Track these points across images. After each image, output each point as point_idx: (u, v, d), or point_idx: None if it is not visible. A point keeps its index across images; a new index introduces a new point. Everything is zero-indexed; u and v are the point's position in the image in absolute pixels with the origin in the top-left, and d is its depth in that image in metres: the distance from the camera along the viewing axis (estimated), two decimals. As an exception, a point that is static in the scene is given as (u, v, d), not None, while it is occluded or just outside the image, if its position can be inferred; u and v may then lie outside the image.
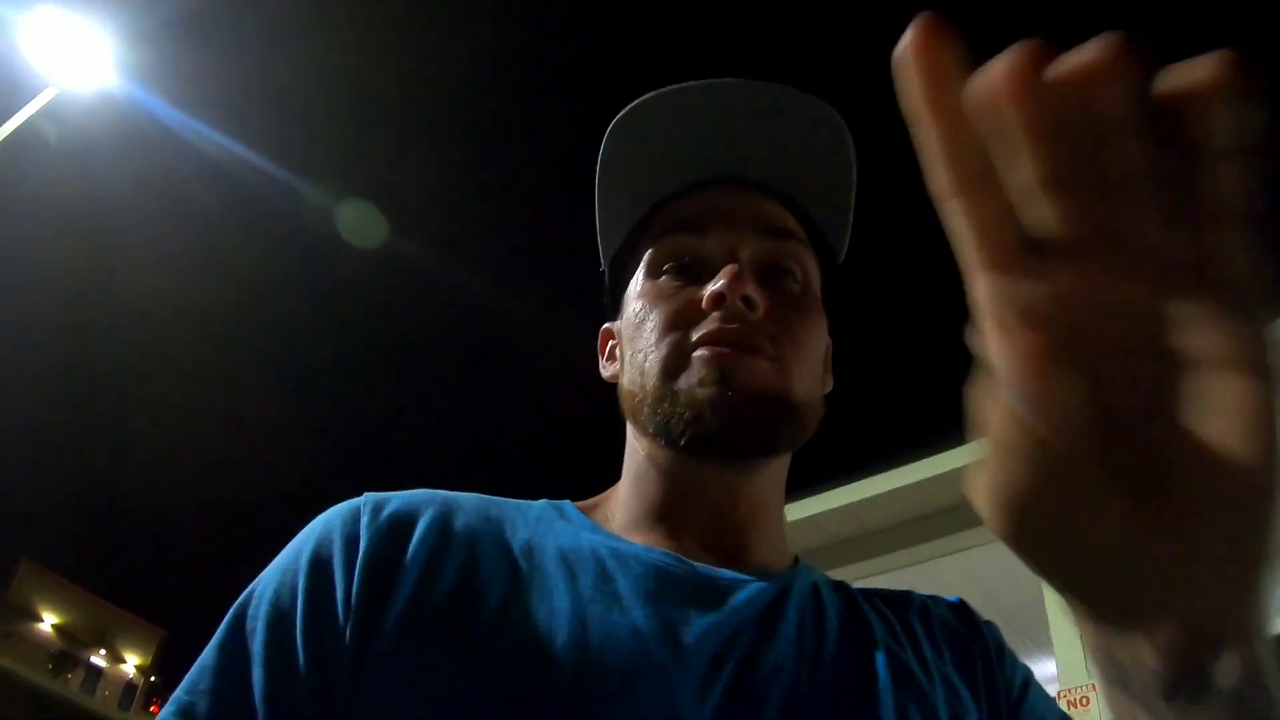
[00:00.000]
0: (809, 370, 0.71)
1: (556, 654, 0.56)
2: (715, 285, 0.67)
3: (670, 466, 0.71)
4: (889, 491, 4.87)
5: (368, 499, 0.67)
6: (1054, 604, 4.39)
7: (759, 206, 0.75)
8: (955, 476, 4.76)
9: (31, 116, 7.96)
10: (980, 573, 5.51)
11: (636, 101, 0.74)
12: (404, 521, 0.65)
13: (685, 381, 0.67)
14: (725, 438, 0.65)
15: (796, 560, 0.77)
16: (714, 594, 0.64)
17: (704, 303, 0.68)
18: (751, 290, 0.67)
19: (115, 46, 7.86)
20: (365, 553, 0.61)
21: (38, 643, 22.78)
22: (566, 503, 0.76)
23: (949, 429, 4.83)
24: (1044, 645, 6.96)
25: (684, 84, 0.73)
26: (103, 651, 24.77)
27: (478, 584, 0.61)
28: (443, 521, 0.66)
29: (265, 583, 0.62)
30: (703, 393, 0.65)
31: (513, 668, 0.55)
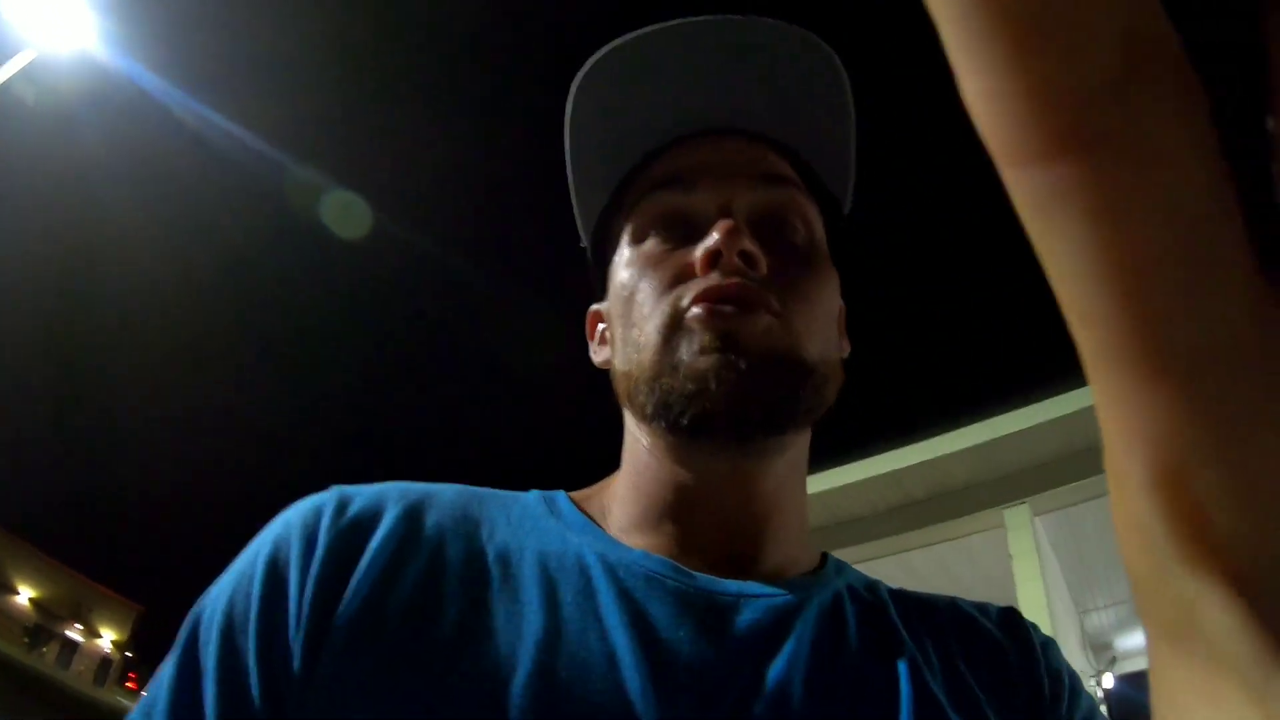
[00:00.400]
0: (821, 328, 0.63)
1: (517, 685, 0.51)
2: (708, 242, 0.60)
3: (673, 456, 0.63)
4: (862, 481, 4.85)
5: (332, 494, 0.61)
6: (1026, 597, 4.43)
7: (752, 155, 0.67)
8: (929, 467, 4.77)
9: (9, 78, 7.85)
10: (952, 565, 5.54)
11: (601, 51, 0.66)
12: (367, 521, 0.59)
13: (685, 351, 0.59)
14: (735, 413, 0.58)
15: (825, 560, 0.68)
16: (714, 612, 0.57)
17: (697, 264, 0.61)
18: (749, 244, 0.60)
19: (95, 9, 7.75)
20: (322, 557, 0.56)
21: (13, 616, 22.68)
22: (560, 494, 0.68)
23: (924, 419, 4.84)
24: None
25: (653, 26, 0.66)
26: (79, 626, 24.68)
27: (438, 597, 0.56)
28: (409, 521, 0.60)
29: (221, 589, 0.57)
30: (705, 361, 0.58)
31: (466, 700, 0.50)
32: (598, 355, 0.74)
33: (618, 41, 0.66)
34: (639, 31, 0.66)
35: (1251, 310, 0.15)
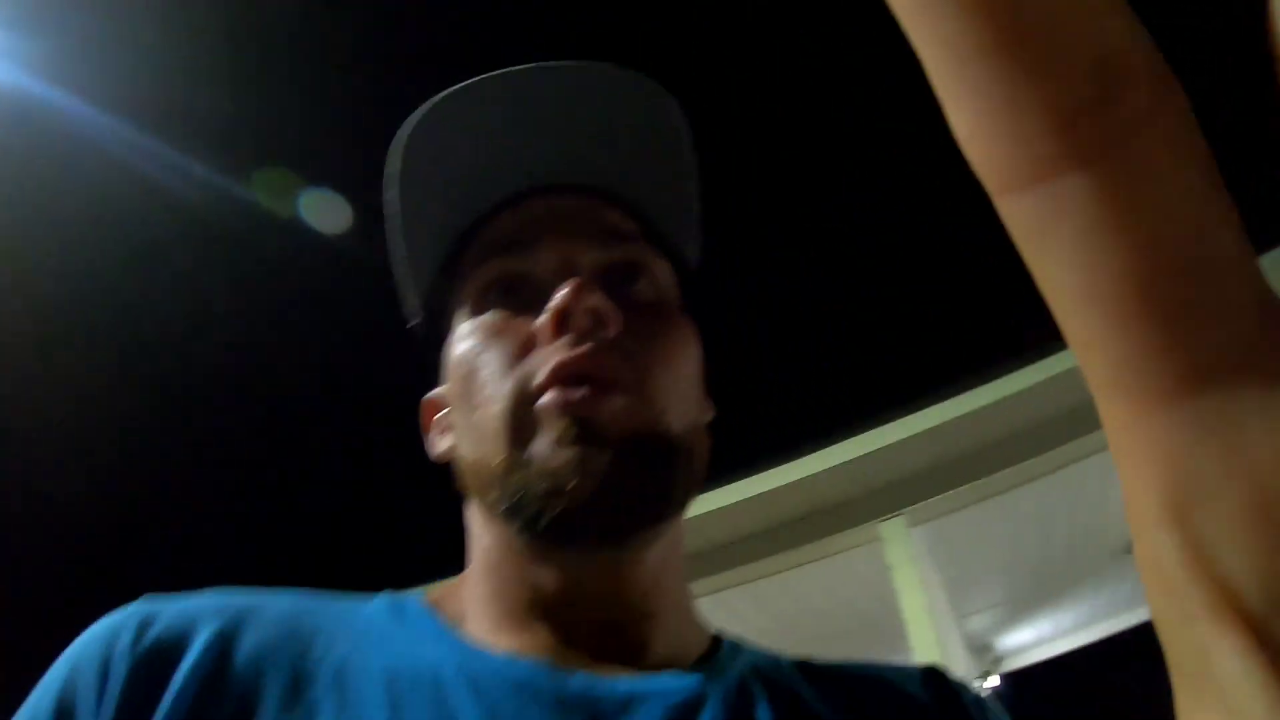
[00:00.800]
0: (684, 394, 0.58)
1: None
2: (554, 301, 0.55)
3: (531, 557, 0.56)
4: (733, 504, 4.77)
5: (134, 613, 0.54)
6: (909, 607, 4.49)
7: (594, 211, 0.63)
8: (801, 486, 4.75)
9: None
10: (830, 582, 5.59)
11: (425, 106, 0.61)
12: (172, 645, 0.52)
13: (538, 443, 0.53)
14: (599, 513, 0.52)
15: (719, 643, 0.63)
16: (598, 718, 0.51)
17: (544, 328, 0.55)
18: (598, 301, 0.55)
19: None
20: (117, 696, 0.49)
21: None
22: (411, 598, 0.61)
23: (794, 438, 4.87)
24: (901, 652, 7.16)
25: (482, 76, 0.61)
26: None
27: None
28: (224, 644, 0.52)
29: None
30: (561, 456, 0.52)
31: None
32: (436, 446, 0.66)
33: (442, 94, 0.61)
34: (466, 83, 0.61)
35: (1257, 324, 0.14)
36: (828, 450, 4.68)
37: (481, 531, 0.60)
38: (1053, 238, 0.15)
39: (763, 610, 5.82)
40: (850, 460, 4.61)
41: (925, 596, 4.47)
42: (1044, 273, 0.16)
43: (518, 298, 0.60)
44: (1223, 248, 0.14)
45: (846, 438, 4.65)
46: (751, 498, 4.75)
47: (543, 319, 0.56)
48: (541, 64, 0.61)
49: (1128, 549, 6.27)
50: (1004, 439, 4.58)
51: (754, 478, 4.76)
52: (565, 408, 0.53)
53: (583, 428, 0.52)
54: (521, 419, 0.54)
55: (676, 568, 0.62)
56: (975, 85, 0.15)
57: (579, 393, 0.53)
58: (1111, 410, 0.16)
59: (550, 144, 0.63)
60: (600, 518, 0.52)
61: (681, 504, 0.58)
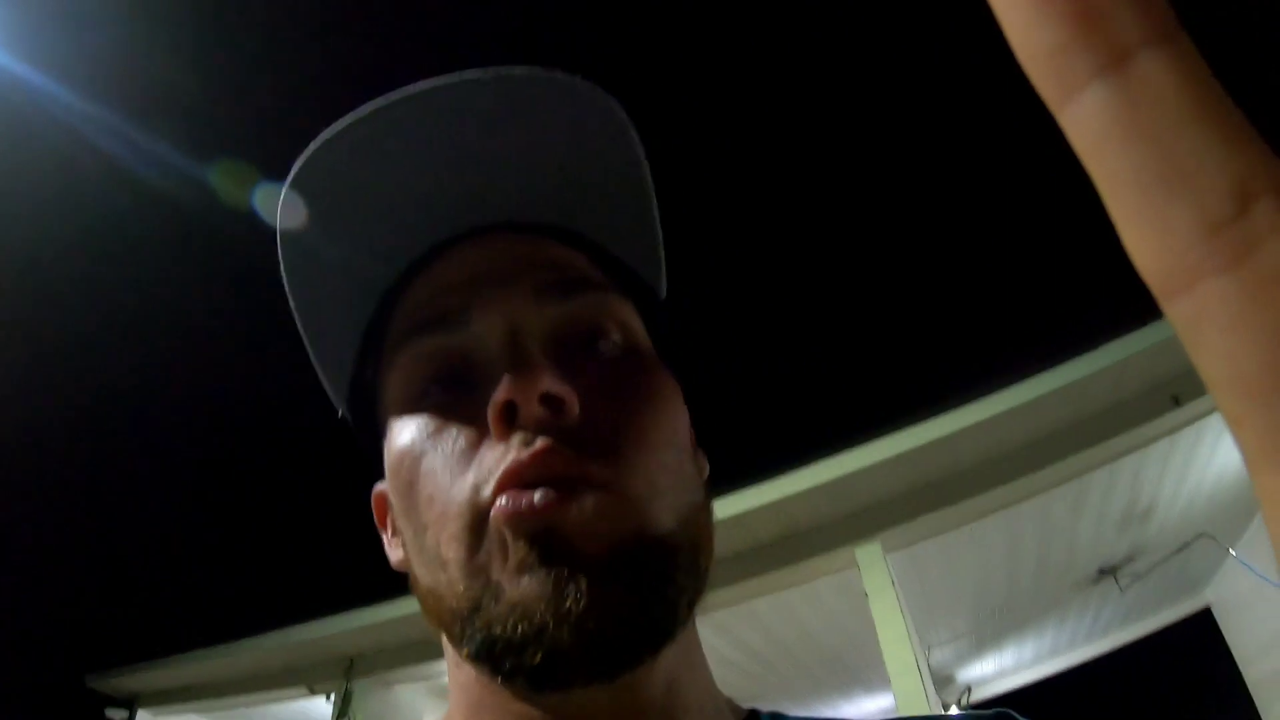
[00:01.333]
0: (674, 468, 0.49)
1: None
2: (497, 394, 0.45)
3: (517, 694, 0.47)
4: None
5: None
6: (887, 635, 4.38)
7: (536, 256, 0.54)
8: (777, 508, 4.65)
9: None
10: (800, 610, 5.51)
11: (319, 139, 0.50)
12: None
13: (499, 568, 0.44)
14: (587, 653, 0.42)
15: None
16: None
17: (492, 428, 0.46)
18: (551, 383, 0.45)
19: None
20: None
21: None
22: None
23: (768, 459, 4.79)
24: (868, 683, 7.09)
25: (387, 97, 0.50)
26: None
27: None
28: None
29: None
30: (529, 588, 0.42)
31: None
32: (394, 554, 0.56)
33: (339, 124, 0.50)
34: (368, 106, 0.50)
35: None
36: (803, 471, 4.58)
37: (456, 664, 0.51)
38: (1203, 333, 0.18)
39: (729, 642, 5.71)
40: (827, 482, 4.50)
41: (903, 623, 4.38)
42: (1200, 363, 0.19)
43: (458, 383, 0.50)
44: None
45: (823, 459, 4.56)
46: (723, 520, 4.64)
47: (488, 414, 0.46)
48: (458, 75, 0.50)
49: (1093, 580, 6.27)
50: (979, 464, 4.52)
51: (724, 499, 4.64)
52: (519, 521, 0.43)
53: (545, 546, 0.43)
54: (477, 540, 0.45)
55: (695, 657, 0.52)
56: (1139, 209, 0.18)
57: (533, 498, 0.43)
58: (1261, 480, 0.19)
59: (478, 173, 0.53)
60: (589, 658, 0.42)
61: (691, 609, 0.47)
